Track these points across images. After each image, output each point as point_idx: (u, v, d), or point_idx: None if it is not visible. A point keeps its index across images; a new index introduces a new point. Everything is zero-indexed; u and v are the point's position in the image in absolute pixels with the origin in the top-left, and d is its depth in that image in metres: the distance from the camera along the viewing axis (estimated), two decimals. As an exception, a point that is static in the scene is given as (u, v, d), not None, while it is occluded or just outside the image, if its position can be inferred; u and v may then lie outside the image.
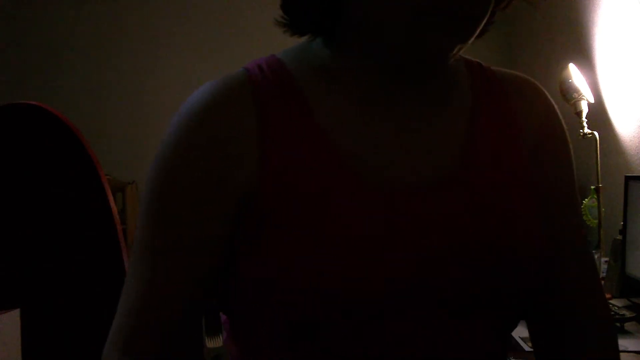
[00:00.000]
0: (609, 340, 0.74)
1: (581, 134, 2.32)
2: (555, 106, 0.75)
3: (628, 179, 1.96)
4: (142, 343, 0.63)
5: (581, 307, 0.72)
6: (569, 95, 2.35)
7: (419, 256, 0.60)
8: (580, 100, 2.35)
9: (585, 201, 2.34)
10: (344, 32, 0.65)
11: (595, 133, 2.34)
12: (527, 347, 1.41)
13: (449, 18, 0.58)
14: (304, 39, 0.68)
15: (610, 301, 1.86)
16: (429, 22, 0.58)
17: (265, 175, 0.60)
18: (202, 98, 0.64)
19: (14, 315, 1.16)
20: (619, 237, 2.00)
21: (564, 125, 0.75)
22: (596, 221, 2.29)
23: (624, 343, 1.54)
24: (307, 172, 0.61)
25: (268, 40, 3.89)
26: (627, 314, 1.69)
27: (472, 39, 0.61)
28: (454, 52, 0.60)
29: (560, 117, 0.75)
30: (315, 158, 0.61)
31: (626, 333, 1.64)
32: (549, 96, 0.75)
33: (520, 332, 1.41)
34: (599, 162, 2.32)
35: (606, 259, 2.14)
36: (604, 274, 2.07)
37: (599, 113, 2.44)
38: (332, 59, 0.67)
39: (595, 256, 1.84)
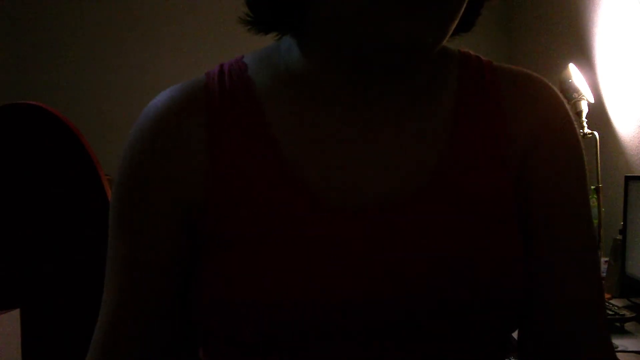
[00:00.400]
0: None
1: (581, 134, 2.32)
2: (565, 106, 0.66)
3: (628, 179, 1.96)
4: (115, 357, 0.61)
5: (579, 337, 0.61)
6: (569, 95, 2.35)
7: (367, 279, 0.55)
8: (580, 100, 2.36)
9: (585, 201, 2.34)
10: (310, 28, 0.61)
11: (595, 133, 2.34)
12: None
13: (410, 1, 0.52)
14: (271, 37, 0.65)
15: (610, 301, 1.86)
16: (388, 7, 0.52)
17: (212, 191, 0.58)
18: (156, 108, 0.62)
19: (14, 315, 1.16)
20: (619, 237, 2.00)
21: (574, 128, 0.66)
22: (596, 221, 2.29)
23: (624, 343, 1.54)
24: (255, 189, 0.57)
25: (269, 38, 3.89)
26: (627, 314, 1.69)
27: (450, 26, 0.55)
28: (431, 43, 0.54)
29: (570, 119, 0.66)
30: (265, 174, 0.58)
31: (626, 333, 1.64)
32: (558, 95, 0.67)
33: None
34: (599, 162, 2.32)
35: (606, 259, 2.14)
36: (604, 274, 2.07)
37: (599, 113, 2.44)
38: (298, 60, 0.62)
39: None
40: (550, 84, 0.67)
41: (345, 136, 0.60)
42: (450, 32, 0.56)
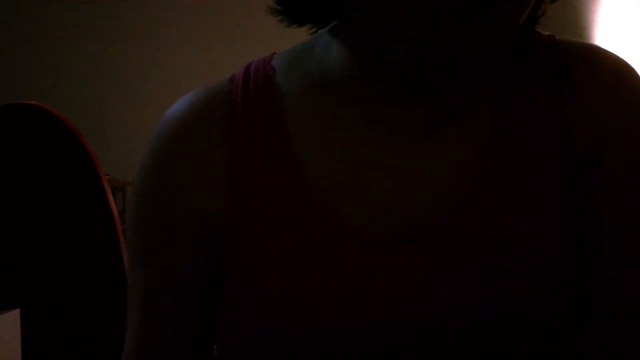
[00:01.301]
0: None
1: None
2: None
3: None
4: None
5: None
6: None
7: (383, 321, 0.51)
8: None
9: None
10: (350, 21, 0.54)
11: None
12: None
13: (471, 3, 0.44)
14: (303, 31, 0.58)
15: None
16: (443, 8, 0.45)
17: (232, 213, 0.54)
18: (177, 118, 0.59)
19: (14, 315, 1.17)
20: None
21: None
22: None
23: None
24: (274, 213, 0.53)
25: (270, 37, 3.89)
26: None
27: (513, 33, 0.47)
28: (489, 52, 0.47)
29: None
30: (285, 197, 0.53)
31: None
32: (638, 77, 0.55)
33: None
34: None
35: None
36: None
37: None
38: (334, 63, 0.55)
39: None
40: (627, 65, 0.55)
41: (378, 163, 0.53)
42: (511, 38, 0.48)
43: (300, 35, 0.62)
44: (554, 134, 0.53)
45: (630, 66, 0.55)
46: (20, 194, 1.30)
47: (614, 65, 0.54)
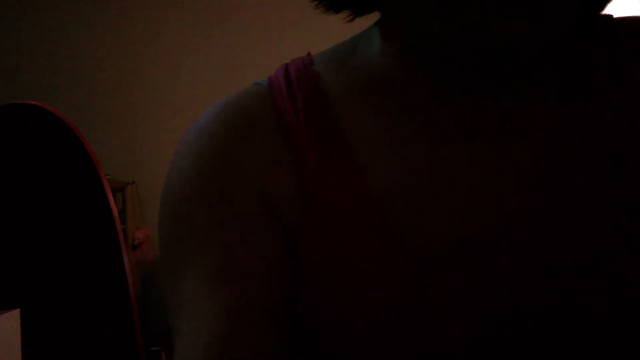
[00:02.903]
0: None
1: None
2: None
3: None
4: None
5: None
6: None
7: (441, 343, 0.48)
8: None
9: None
10: (391, 16, 0.50)
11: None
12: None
13: None
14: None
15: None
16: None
17: (303, 226, 0.50)
18: (220, 126, 0.53)
19: (14, 315, 1.16)
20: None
21: None
22: None
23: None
24: (338, 230, 0.49)
25: (272, 35, 3.89)
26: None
27: (567, 26, 0.42)
28: (540, 48, 0.42)
29: None
30: (349, 214, 0.49)
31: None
32: None
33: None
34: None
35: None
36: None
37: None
38: (379, 64, 0.51)
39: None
40: None
41: (430, 158, 0.50)
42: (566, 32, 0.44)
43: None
44: (617, 130, 0.49)
45: None
46: (19, 194, 1.30)
47: None
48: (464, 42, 0.44)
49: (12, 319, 1.15)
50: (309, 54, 0.57)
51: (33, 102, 1.31)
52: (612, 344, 0.48)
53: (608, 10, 0.50)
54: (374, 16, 0.55)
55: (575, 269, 0.48)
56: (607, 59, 0.51)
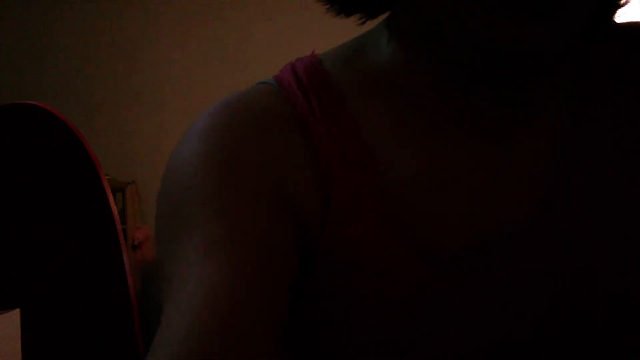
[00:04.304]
0: None
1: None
2: None
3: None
4: None
5: None
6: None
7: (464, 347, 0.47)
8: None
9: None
10: (401, 17, 0.50)
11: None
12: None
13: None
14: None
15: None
16: (494, 2, 0.40)
17: (328, 227, 0.48)
18: (231, 119, 0.50)
19: (14, 316, 1.16)
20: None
21: None
22: None
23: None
24: (360, 234, 0.48)
25: (275, 34, 3.89)
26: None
27: (577, 32, 0.42)
28: (548, 54, 0.42)
29: None
30: (373, 216, 0.48)
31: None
32: None
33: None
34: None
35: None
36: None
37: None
38: (389, 63, 0.51)
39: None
40: None
41: (445, 160, 0.50)
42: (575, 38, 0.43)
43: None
44: (628, 133, 0.49)
45: None
46: (19, 194, 1.30)
47: None
48: (478, 47, 0.43)
49: (12, 319, 1.15)
50: (313, 53, 0.56)
51: (33, 102, 1.31)
52: (620, 344, 0.48)
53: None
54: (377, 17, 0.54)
55: (590, 268, 0.47)
56: (617, 62, 0.51)
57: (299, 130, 0.50)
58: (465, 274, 0.48)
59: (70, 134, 1.26)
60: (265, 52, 3.58)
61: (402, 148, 0.50)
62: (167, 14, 3.77)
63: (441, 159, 0.50)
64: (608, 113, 0.50)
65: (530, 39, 0.40)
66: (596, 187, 0.48)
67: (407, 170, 0.49)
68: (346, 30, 0.55)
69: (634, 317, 0.48)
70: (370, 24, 0.55)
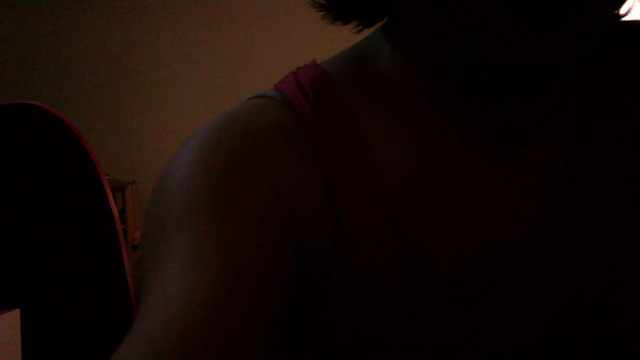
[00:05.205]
0: None
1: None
2: None
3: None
4: None
5: None
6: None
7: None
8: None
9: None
10: (401, 25, 0.48)
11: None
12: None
13: (540, 9, 0.37)
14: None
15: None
16: (504, 15, 0.37)
17: (337, 250, 0.46)
18: (231, 134, 0.47)
19: (14, 315, 1.16)
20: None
21: None
22: None
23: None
24: (367, 255, 0.47)
25: (276, 33, 3.89)
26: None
27: (589, 46, 0.40)
28: (560, 68, 0.40)
29: None
30: (382, 240, 0.47)
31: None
32: None
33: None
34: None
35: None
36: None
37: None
38: (394, 73, 0.49)
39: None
40: None
41: (451, 175, 0.48)
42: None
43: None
44: (633, 143, 0.47)
45: None
46: (19, 194, 1.30)
47: None
48: (489, 61, 0.41)
49: (12, 318, 1.15)
50: (314, 61, 0.53)
51: (33, 102, 1.31)
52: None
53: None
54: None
55: (597, 286, 0.47)
56: (618, 61, 0.49)
57: (309, 150, 0.47)
58: (474, 300, 0.47)
59: (70, 134, 1.27)
60: (266, 52, 3.58)
61: (409, 167, 0.48)
62: (168, 14, 3.77)
63: (449, 178, 0.48)
64: (611, 118, 0.48)
65: (548, 53, 0.38)
66: (600, 206, 0.47)
67: (415, 192, 0.48)
68: (346, 28, 0.55)
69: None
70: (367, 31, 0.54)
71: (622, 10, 0.50)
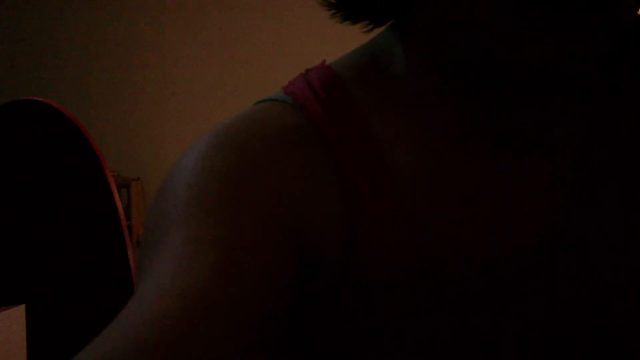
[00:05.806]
0: None
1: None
2: None
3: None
4: None
5: None
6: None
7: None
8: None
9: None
10: (414, 25, 0.47)
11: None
12: None
13: (564, 7, 0.36)
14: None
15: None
16: (526, 17, 0.37)
17: (352, 262, 0.45)
18: (241, 140, 0.45)
19: (20, 312, 1.17)
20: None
21: None
22: None
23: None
24: (390, 270, 0.46)
25: (279, 32, 3.88)
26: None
27: (611, 50, 0.39)
28: (582, 74, 0.39)
29: None
30: (398, 252, 0.45)
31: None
32: None
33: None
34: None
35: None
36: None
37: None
38: (407, 76, 0.47)
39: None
40: None
41: (464, 180, 0.47)
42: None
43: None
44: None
45: None
46: (25, 190, 1.31)
47: None
48: (507, 66, 0.40)
49: (18, 314, 1.15)
50: (324, 63, 0.52)
51: (38, 99, 1.31)
52: None
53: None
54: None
55: (598, 286, 0.47)
56: (618, 61, 0.49)
57: (323, 155, 0.46)
58: (482, 303, 0.46)
59: (75, 130, 1.27)
60: (269, 50, 3.58)
61: (429, 174, 0.47)
62: (171, 11, 3.78)
63: (467, 185, 0.47)
64: (623, 120, 0.48)
65: (572, 58, 0.38)
66: (606, 209, 0.47)
67: (436, 200, 0.47)
68: (350, 27, 0.54)
69: None
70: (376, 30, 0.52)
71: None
